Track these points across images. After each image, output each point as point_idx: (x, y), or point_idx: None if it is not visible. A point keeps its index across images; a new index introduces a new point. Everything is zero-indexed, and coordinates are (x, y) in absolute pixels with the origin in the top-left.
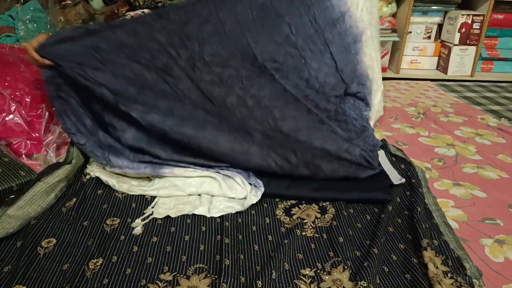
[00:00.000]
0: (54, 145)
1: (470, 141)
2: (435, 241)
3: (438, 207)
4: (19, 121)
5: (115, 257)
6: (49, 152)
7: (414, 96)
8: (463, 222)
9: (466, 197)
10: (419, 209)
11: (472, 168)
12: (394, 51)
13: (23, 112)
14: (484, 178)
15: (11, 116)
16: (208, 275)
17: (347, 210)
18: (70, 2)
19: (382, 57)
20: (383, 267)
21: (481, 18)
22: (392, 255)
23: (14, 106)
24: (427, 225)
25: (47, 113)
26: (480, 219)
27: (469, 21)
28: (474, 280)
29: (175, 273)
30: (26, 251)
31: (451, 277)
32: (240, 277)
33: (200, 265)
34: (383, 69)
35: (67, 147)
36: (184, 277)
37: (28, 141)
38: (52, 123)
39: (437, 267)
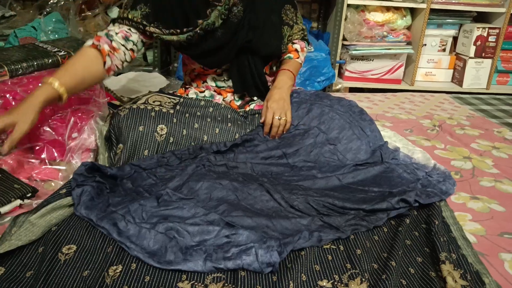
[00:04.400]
0: (80, 151)
1: (486, 154)
2: (453, 255)
3: (456, 221)
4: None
5: (134, 265)
6: (74, 157)
7: (429, 109)
8: (481, 236)
9: (484, 210)
10: (436, 222)
11: (489, 182)
12: (409, 64)
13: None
14: (502, 191)
15: None
16: (226, 284)
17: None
18: (90, 13)
19: (397, 69)
20: (401, 280)
21: (497, 31)
22: (410, 268)
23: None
24: (445, 238)
25: (72, 118)
26: (498, 233)
27: (485, 34)
28: None
29: (193, 281)
30: (47, 257)
31: None
32: (257, 286)
33: (218, 275)
34: (398, 81)
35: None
36: (202, 285)
37: (50, 146)
38: (76, 128)
39: (455, 281)
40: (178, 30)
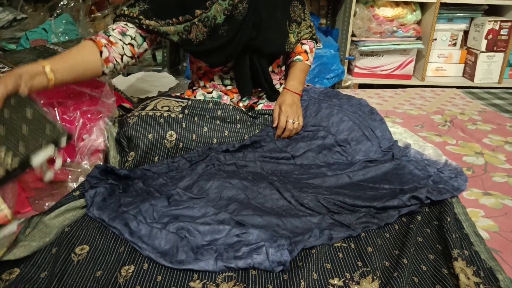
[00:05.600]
0: (89, 152)
1: (499, 150)
2: (466, 252)
3: (468, 217)
4: None
5: (146, 265)
6: (84, 158)
7: (440, 104)
8: (494, 233)
9: (496, 206)
10: (448, 219)
11: (502, 177)
12: (419, 59)
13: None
14: None
15: None
16: (237, 283)
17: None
18: (99, 14)
19: (407, 64)
20: (413, 277)
21: (509, 24)
22: (422, 266)
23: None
24: (457, 235)
25: (81, 120)
26: None
27: (497, 28)
28: None
29: (205, 280)
30: (60, 257)
31: None
32: (268, 285)
33: (229, 274)
34: (408, 77)
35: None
36: (214, 285)
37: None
38: (85, 129)
39: (468, 278)
40: (174, 19)
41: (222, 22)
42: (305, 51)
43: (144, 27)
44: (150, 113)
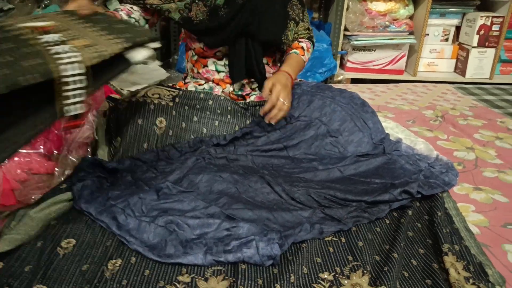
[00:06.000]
0: (76, 144)
1: (490, 145)
2: (456, 246)
3: (459, 212)
4: None
5: (134, 258)
6: (71, 152)
7: (432, 99)
8: (484, 227)
9: (487, 201)
10: (439, 213)
11: (492, 172)
12: (411, 54)
13: None
14: (505, 182)
15: None
16: (226, 277)
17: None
18: None
19: (399, 59)
20: (403, 272)
21: (501, 19)
22: (412, 260)
23: None
24: (447, 230)
25: None
26: (502, 224)
27: (488, 23)
28: (497, 287)
29: (193, 275)
30: (46, 251)
31: (473, 283)
32: (258, 279)
33: (218, 268)
34: (400, 72)
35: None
36: (202, 279)
37: (47, 139)
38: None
39: (458, 273)
40: None
41: (223, 4)
42: (302, 48)
43: (148, 6)
44: (141, 100)
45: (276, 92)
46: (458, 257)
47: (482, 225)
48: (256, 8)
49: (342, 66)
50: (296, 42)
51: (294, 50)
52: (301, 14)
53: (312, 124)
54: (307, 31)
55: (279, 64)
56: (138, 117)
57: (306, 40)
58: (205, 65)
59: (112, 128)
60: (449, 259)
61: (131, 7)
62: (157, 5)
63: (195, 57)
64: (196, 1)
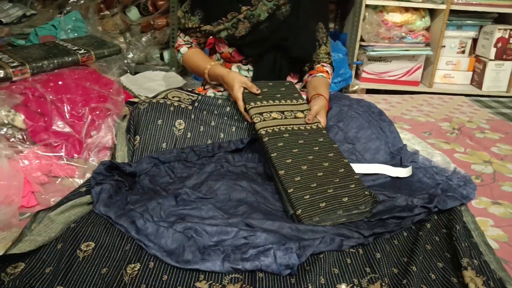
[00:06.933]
0: (96, 149)
1: (508, 159)
2: (475, 261)
3: (477, 226)
4: (60, 123)
5: (152, 263)
6: (91, 155)
7: (448, 111)
8: (503, 242)
9: (506, 216)
10: (457, 227)
11: (511, 187)
12: (427, 65)
13: (65, 114)
14: None
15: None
16: (244, 285)
17: None
18: (108, 12)
19: (415, 71)
20: (421, 285)
21: None
22: (430, 274)
23: (55, 108)
24: (466, 244)
25: (89, 116)
26: None
27: (506, 36)
28: None
29: (211, 281)
30: (66, 253)
31: None
32: None
33: (236, 275)
34: (416, 83)
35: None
36: (220, 286)
37: (68, 143)
38: (93, 126)
39: None
40: (224, 19)
41: (265, 19)
42: (327, 71)
43: (202, 32)
44: (161, 101)
45: (323, 122)
46: (477, 272)
47: (501, 240)
48: (295, 24)
49: (357, 76)
50: (320, 66)
51: (321, 74)
52: (324, 38)
53: (329, 130)
54: (327, 56)
55: (305, 77)
56: (158, 118)
57: (328, 65)
58: (229, 69)
59: (132, 127)
60: (468, 274)
61: (196, 37)
62: (210, 30)
63: (221, 61)
64: (242, 19)
